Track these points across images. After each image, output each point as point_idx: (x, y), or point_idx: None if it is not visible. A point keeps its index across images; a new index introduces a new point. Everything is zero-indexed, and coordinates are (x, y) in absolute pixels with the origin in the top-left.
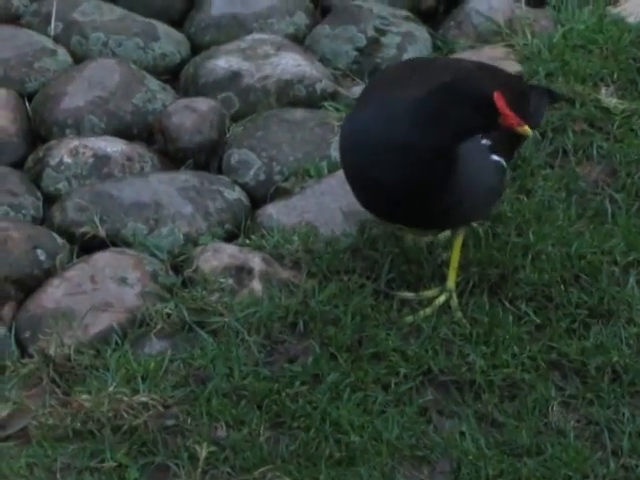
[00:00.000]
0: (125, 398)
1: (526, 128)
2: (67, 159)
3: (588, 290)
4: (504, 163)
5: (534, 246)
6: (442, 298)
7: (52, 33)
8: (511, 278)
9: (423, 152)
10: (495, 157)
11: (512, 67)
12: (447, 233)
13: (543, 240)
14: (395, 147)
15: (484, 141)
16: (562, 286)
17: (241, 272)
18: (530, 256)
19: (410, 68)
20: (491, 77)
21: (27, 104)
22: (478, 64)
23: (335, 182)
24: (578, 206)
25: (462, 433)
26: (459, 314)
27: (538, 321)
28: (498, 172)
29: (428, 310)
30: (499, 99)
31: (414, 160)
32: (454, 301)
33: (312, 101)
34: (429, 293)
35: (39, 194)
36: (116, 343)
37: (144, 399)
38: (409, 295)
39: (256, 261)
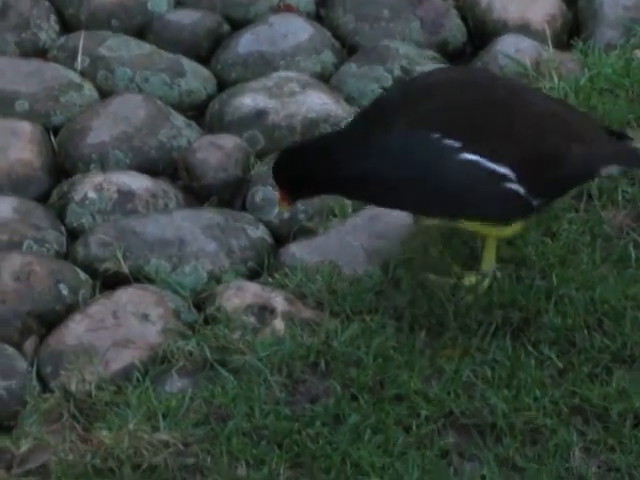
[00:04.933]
0: (145, 435)
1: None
2: (91, 194)
3: (611, 335)
4: (482, 161)
5: (557, 290)
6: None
7: (79, 67)
8: (534, 322)
9: None
10: (468, 156)
11: None
12: (472, 278)
13: (567, 284)
14: None
15: (449, 141)
16: (585, 331)
17: (264, 311)
18: (553, 300)
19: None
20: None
21: (52, 138)
22: (555, 100)
23: (359, 221)
24: (602, 250)
25: (483, 477)
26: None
27: (560, 365)
28: (467, 171)
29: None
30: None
31: None
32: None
33: None
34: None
35: (63, 229)
36: (137, 380)
37: (164, 437)
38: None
39: (279, 300)
